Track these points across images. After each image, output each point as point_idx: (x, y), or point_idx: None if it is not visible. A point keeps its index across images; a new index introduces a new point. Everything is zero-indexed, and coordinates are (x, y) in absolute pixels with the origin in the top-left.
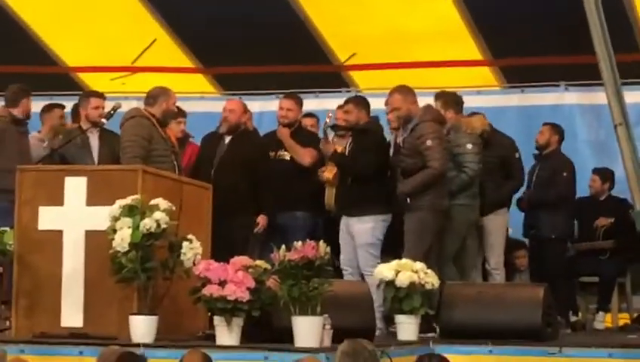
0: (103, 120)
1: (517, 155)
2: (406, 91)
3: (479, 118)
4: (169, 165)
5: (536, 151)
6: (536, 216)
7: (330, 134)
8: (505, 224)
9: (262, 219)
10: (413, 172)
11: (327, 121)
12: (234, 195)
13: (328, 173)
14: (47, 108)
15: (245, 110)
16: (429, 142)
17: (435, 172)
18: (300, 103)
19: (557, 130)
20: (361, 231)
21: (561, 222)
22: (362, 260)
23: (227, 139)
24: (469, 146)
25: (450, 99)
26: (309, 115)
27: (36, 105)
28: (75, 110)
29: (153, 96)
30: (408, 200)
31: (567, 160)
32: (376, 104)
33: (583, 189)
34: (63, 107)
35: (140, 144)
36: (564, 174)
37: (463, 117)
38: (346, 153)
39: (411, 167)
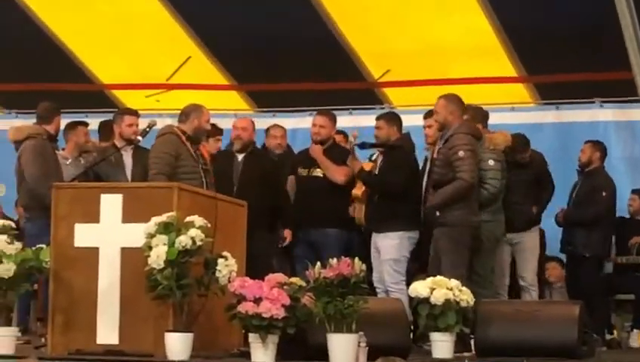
0: (139, 137)
1: (547, 168)
2: (451, 99)
3: (503, 135)
4: (197, 181)
5: (579, 168)
6: (573, 233)
7: (358, 152)
8: (538, 240)
9: (287, 234)
10: (443, 183)
11: (352, 139)
12: (257, 212)
13: (357, 189)
14: (70, 126)
15: (254, 127)
16: (460, 153)
17: (465, 184)
18: (333, 120)
19: (598, 147)
20: (387, 246)
21: (597, 241)
22: (387, 276)
23: (240, 156)
24: (491, 163)
25: (479, 113)
26: (338, 131)
27: None
28: (104, 127)
29: (185, 113)
30: (437, 213)
31: (609, 178)
32: (410, 121)
33: (619, 207)
34: (86, 124)
35: (165, 161)
36: (604, 193)
37: (487, 132)
38: (377, 170)
39: (442, 178)
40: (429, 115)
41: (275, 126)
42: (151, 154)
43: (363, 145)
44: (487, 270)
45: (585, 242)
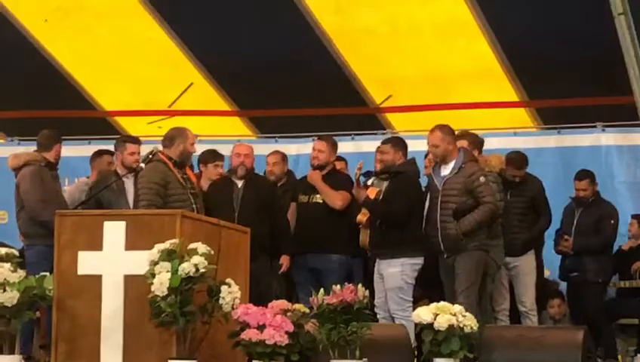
0: (142, 165)
1: (544, 195)
2: (446, 130)
3: (497, 157)
4: (187, 208)
5: (576, 200)
6: (580, 260)
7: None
8: (535, 265)
9: (284, 260)
10: (466, 211)
11: (357, 172)
12: (258, 237)
13: (362, 215)
14: (96, 154)
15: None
16: (482, 179)
17: (493, 208)
18: (332, 145)
19: (593, 178)
20: (391, 275)
21: (606, 267)
22: (392, 303)
23: (240, 183)
24: (482, 179)
25: (475, 140)
26: (339, 158)
27: (74, 149)
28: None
29: (169, 138)
30: (463, 240)
31: (613, 207)
32: (413, 146)
33: (622, 231)
34: (112, 153)
35: (154, 191)
36: (612, 221)
37: (481, 157)
38: (381, 196)
39: (464, 206)
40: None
41: (274, 153)
42: (139, 185)
43: (368, 175)
44: (486, 297)
45: (597, 269)
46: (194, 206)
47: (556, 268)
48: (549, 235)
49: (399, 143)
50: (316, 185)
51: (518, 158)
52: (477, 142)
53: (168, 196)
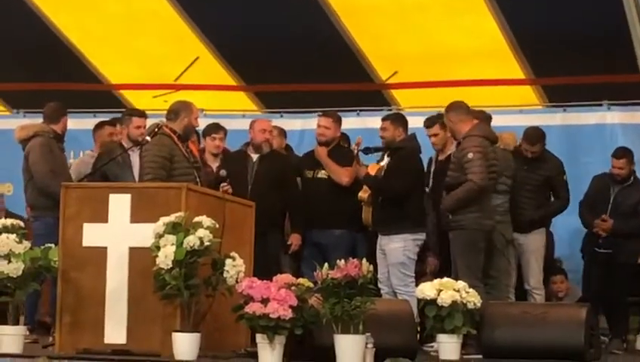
0: (147, 138)
1: (564, 177)
2: (454, 108)
3: (511, 135)
4: (191, 181)
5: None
6: (614, 240)
7: (362, 157)
8: (544, 243)
9: (295, 239)
10: (454, 187)
11: (356, 147)
12: (270, 213)
13: (363, 192)
14: (97, 126)
15: None
16: (470, 155)
17: (474, 186)
18: (338, 121)
19: (631, 157)
20: (393, 250)
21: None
22: (394, 279)
23: (255, 157)
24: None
25: (484, 115)
26: (342, 134)
27: (80, 122)
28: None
29: (174, 112)
30: (450, 216)
31: None
32: (418, 122)
33: None
34: (113, 124)
35: (160, 165)
36: None
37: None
38: (382, 172)
39: (454, 181)
40: (429, 122)
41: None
42: (145, 158)
43: (367, 151)
44: (500, 271)
45: (632, 250)
46: (197, 179)
47: (563, 244)
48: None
49: (399, 119)
50: (322, 161)
51: (532, 134)
52: (485, 117)
53: (173, 170)
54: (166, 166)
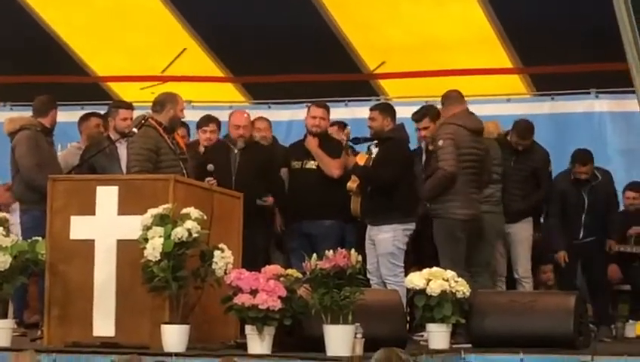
0: (134, 129)
1: (549, 168)
2: (443, 99)
3: (494, 123)
4: (178, 173)
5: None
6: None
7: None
8: (531, 232)
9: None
10: (431, 175)
11: (344, 137)
12: (254, 205)
13: (351, 182)
14: (83, 118)
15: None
16: (440, 142)
17: (443, 173)
18: (329, 112)
19: (592, 157)
20: (383, 240)
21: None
22: (384, 269)
23: (236, 149)
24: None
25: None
26: (333, 123)
27: (67, 114)
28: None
29: (160, 103)
30: (428, 205)
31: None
32: (406, 112)
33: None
34: (99, 116)
35: (146, 158)
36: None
37: None
38: (371, 162)
39: (431, 171)
40: (418, 115)
41: (260, 118)
42: (131, 151)
43: (357, 141)
44: (483, 262)
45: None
46: (184, 171)
47: None
48: None
49: (387, 109)
50: (313, 151)
51: (522, 128)
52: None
53: (159, 162)
54: (152, 158)
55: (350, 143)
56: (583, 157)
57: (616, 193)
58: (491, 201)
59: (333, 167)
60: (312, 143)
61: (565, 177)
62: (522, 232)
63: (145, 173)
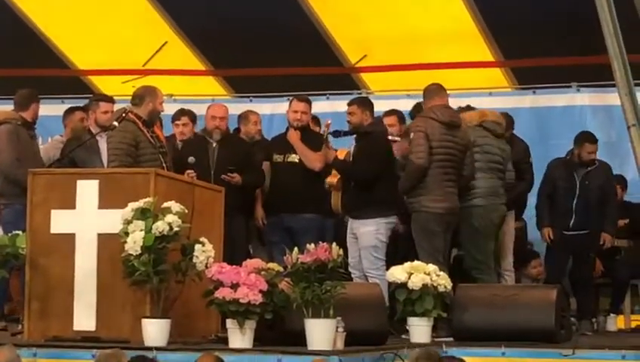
0: (115, 123)
1: (530, 160)
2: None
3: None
4: (158, 167)
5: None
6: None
7: (332, 140)
8: (513, 225)
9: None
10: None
11: (325, 129)
12: (235, 197)
13: (332, 177)
14: (68, 112)
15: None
16: (411, 135)
17: (412, 165)
18: (311, 105)
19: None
20: (364, 234)
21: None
22: (366, 262)
23: (214, 142)
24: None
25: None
26: (313, 117)
27: (48, 108)
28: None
29: (139, 96)
30: (405, 198)
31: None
32: (387, 106)
33: None
34: (84, 110)
35: (125, 152)
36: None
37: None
38: (351, 157)
39: (403, 163)
40: (386, 113)
41: (252, 112)
42: (109, 145)
43: (337, 134)
44: (484, 255)
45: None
46: (164, 165)
47: (531, 228)
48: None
49: (365, 103)
50: (295, 145)
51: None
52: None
53: (139, 156)
54: (131, 152)
55: (331, 136)
56: (590, 136)
57: (613, 184)
58: (478, 193)
59: (314, 160)
60: (294, 137)
61: (559, 162)
62: (505, 225)
63: (124, 168)
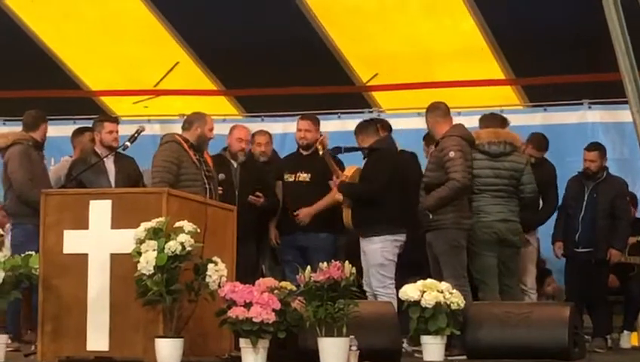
0: (127, 143)
1: (555, 182)
2: (430, 110)
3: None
4: (200, 189)
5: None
6: (594, 240)
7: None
8: (537, 245)
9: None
10: (435, 186)
11: (320, 146)
12: (249, 222)
13: (339, 195)
14: (77, 132)
15: None
16: (451, 154)
17: (458, 184)
18: (317, 124)
19: (604, 151)
20: (372, 251)
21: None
22: (374, 281)
23: (235, 163)
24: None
25: (492, 119)
26: (262, 131)
27: (60, 129)
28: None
29: (189, 121)
30: (430, 216)
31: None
32: (399, 124)
33: None
34: (93, 130)
35: (167, 169)
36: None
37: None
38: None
39: (434, 181)
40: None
41: (260, 132)
42: (153, 164)
43: (338, 150)
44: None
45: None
46: (207, 186)
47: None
48: None
49: (366, 126)
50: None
51: (541, 141)
52: (494, 121)
53: (181, 175)
54: (172, 170)
55: (332, 152)
56: (589, 144)
57: (626, 200)
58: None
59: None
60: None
61: (574, 177)
62: (529, 245)
63: (165, 185)
